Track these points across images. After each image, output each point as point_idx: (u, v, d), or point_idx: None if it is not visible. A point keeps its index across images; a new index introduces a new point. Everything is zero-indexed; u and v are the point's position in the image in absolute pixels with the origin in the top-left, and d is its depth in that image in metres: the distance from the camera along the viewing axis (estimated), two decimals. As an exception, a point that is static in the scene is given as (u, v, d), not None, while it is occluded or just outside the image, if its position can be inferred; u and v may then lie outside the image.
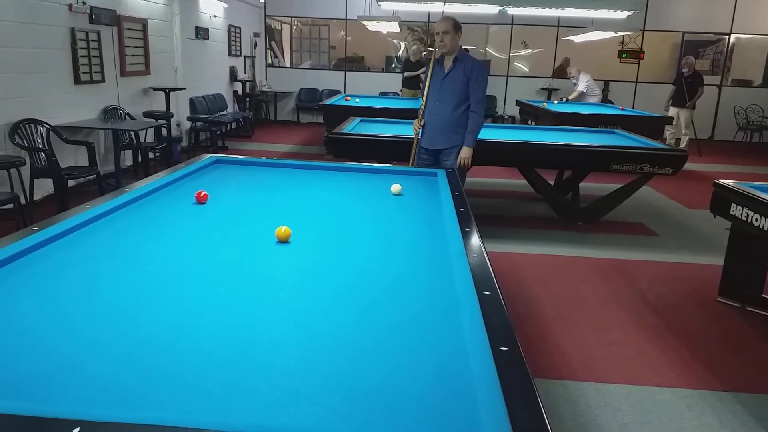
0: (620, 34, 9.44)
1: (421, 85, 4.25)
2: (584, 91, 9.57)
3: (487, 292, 1.61)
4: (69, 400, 1.06)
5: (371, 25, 9.30)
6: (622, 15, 6.86)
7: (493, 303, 1.55)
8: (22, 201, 4.50)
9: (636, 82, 12.09)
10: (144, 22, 6.93)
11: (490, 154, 5.07)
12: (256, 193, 2.90)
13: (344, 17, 11.74)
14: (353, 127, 5.59)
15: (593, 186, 6.17)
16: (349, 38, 12.28)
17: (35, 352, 1.24)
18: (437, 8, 7.60)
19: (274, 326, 1.42)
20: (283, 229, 2.04)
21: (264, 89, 11.86)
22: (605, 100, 11.17)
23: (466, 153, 3.97)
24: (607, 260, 4.43)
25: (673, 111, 9.40)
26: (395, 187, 2.84)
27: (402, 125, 6.08)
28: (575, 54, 11.14)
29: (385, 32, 10.63)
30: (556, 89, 12.05)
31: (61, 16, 5.41)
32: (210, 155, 3.65)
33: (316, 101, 11.27)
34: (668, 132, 9.49)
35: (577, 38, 10.01)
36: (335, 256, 1.99)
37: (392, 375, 1.22)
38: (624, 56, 11.71)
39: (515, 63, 12.62)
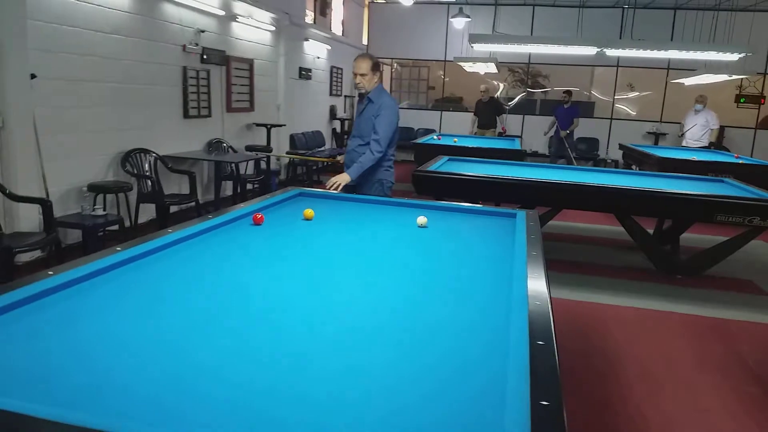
0: (735, 77, 8.83)
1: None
2: (716, 129, 9.01)
3: (541, 342, 1.52)
4: (114, 415, 1.11)
5: (467, 66, 9.35)
6: (734, 57, 6.43)
7: (544, 354, 1.46)
8: (127, 224, 4.86)
9: (755, 128, 11.23)
10: (251, 63, 7.40)
11: (586, 198, 4.85)
12: (330, 224, 2.95)
13: (443, 59, 11.91)
14: (440, 165, 5.59)
15: (697, 237, 5.73)
16: (446, 79, 12.41)
17: (87, 367, 1.31)
18: (538, 50, 7.51)
19: (322, 357, 1.43)
20: (308, 212, 2.89)
21: (362, 127, 12.18)
22: (721, 147, 10.46)
23: (342, 178, 3.77)
24: (706, 318, 4.05)
25: (797, 160, 8.61)
26: (421, 219, 2.87)
27: (490, 165, 6.01)
28: (686, 98, 10.54)
29: (482, 73, 10.63)
30: (665, 134, 11.45)
31: (175, 56, 5.90)
32: (294, 188, 3.77)
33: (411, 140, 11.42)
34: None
35: (688, 81, 9.49)
36: (393, 294, 1.96)
37: (427, 420, 1.18)
38: (742, 101, 10.94)
39: (619, 105, 12.15)
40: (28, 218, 4.04)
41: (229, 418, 1.13)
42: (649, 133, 11.64)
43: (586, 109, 12.55)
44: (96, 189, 4.63)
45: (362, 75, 3.86)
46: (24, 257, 3.62)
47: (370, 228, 2.92)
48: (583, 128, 11.94)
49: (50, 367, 1.30)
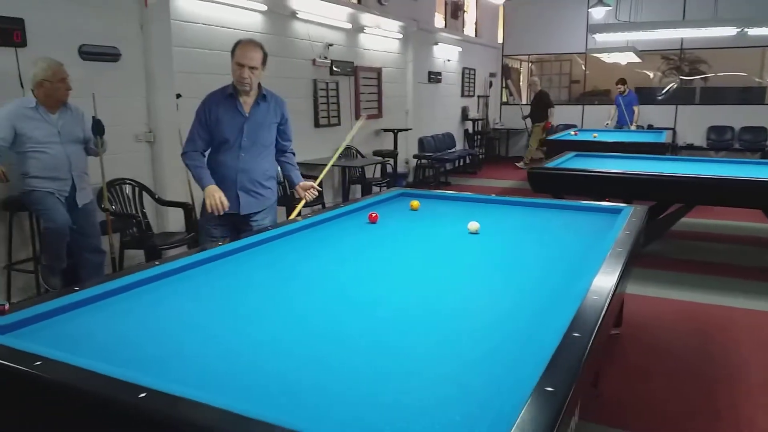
0: None
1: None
2: None
3: (576, 335, 1.52)
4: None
5: (604, 57, 8.88)
6: None
7: (575, 346, 1.45)
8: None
9: None
10: (379, 71, 7.71)
11: (720, 194, 4.41)
12: (424, 221, 3.07)
13: (584, 51, 11.36)
14: (563, 161, 5.43)
15: None
16: (588, 72, 11.84)
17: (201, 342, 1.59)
18: (667, 35, 6.92)
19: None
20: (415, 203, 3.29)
21: (496, 127, 12.07)
22: None
23: (310, 184, 3.25)
24: None
25: None
26: (473, 226, 2.75)
27: (620, 160, 5.70)
28: None
29: (623, 63, 9.97)
30: None
31: (306, 70, 6.36)
32: (397, 189, 3.95)
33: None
34: None
35: None
36: (461, 286, 2.06)
37: (435, 394, 1.30)
38: None
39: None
40: (176, 220, 4.64)
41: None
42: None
43: (756, 95, 11.19)
44: (233, 194, 5.16)
45: (253, 68, 2.95)
46: (171, 253, 4.17)
47: (464, 224, 2.97)
48: (751, 116, 10.71)
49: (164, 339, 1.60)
